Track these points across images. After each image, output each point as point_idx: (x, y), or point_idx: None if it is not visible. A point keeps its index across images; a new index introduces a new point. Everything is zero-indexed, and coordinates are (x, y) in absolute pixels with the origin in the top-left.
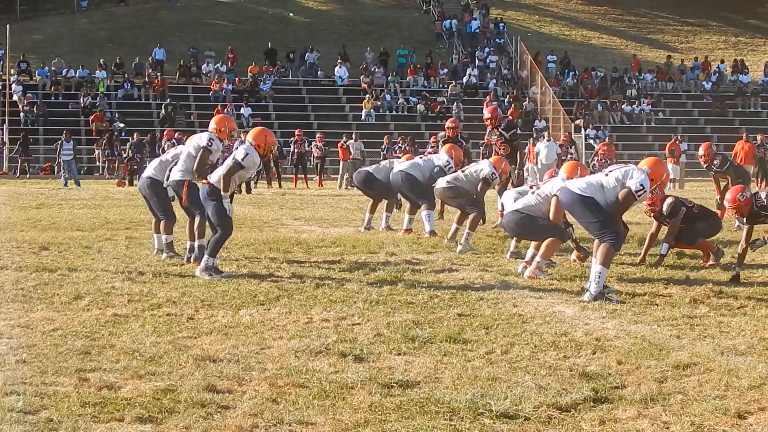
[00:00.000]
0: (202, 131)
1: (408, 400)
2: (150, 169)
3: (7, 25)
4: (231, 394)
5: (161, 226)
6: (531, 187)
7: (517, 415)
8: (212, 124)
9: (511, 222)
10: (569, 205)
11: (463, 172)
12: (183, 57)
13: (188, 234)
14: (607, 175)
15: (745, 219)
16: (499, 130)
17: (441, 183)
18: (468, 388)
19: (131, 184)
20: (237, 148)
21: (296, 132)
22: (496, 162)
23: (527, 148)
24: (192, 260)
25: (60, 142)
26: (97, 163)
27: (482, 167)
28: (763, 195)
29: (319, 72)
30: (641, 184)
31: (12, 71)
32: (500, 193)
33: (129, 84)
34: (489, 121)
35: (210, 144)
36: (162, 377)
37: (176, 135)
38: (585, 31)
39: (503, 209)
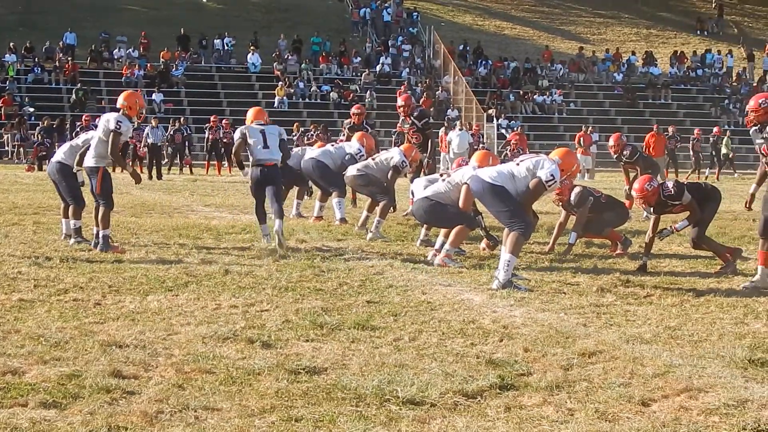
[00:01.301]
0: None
1: (315, 387)
2: (60, 153)
3: None
4: (137, 379)
5: (70, 211)
6: (441, 175)
7: (424, 402)
8: (121, 100)
9: (420, 209)
10: (480, 194)
11: (373, 159)
12: (94, 42)
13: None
14: (518, 164)
15: (652, 209)
16: (412, 118)
17: (351, 171)
18: (375, 375)
19: (40, 169)
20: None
21: (211, 118)
22: (407, 150)
23: (440, 136)
24: (93, 246)
25: None
26: (6, 148)
27: (393, 155)
28: (670, 185)
29: (232, 59)
30: (552, 174)
31: None
32: (412, 181)
33: (39, 68)
34: (402, 108)
35: (118, 127)
36: (67, 362)
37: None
38: (498, 21)
39: (414, 197)
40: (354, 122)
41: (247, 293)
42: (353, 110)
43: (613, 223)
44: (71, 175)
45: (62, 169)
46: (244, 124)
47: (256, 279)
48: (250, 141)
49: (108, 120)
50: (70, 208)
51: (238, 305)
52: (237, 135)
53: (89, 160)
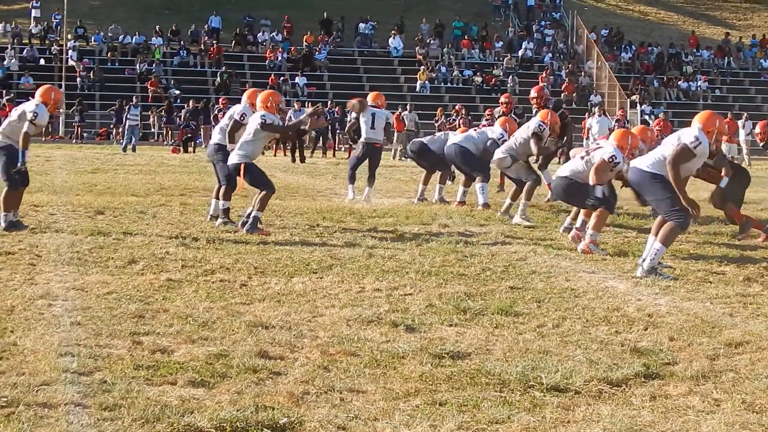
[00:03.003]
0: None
1: (459, 371)
2: (216, 135)
3: None
4: (282, 360)
5: (221, 192)
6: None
7: (568, 389)
8: (259, 104)
9: (558, 187)
10: (638, 183)
11: (516, 142)
12: (239, 25)
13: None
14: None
15: None
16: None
17: (498, 154)
18: (519, 361)
19: (185, 150)
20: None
21: None
22: (543, 115)
23: (581, 122)
24: (240, 226)
25: (128, 106)
26: (152, 130)
27: (530, 124)
28: None
29: (374, 43)
30: (695, 137)
31: (69, 37)
32: (541, 168)
33: (185, 51)
34: (535, 100)
35: (264, 120)
36: (215, 342)
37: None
38: (642, 6)
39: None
40: (503, 111)
41: (391, 277)
42: (502, 99)
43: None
44: (227, 156)
45: (219, 149)
46: (388, 108)
47: (399, 263)
48: (361, 120)
49: (254, 116)
50: (222, 189)
51: (382, 289)
52: (353, 114)
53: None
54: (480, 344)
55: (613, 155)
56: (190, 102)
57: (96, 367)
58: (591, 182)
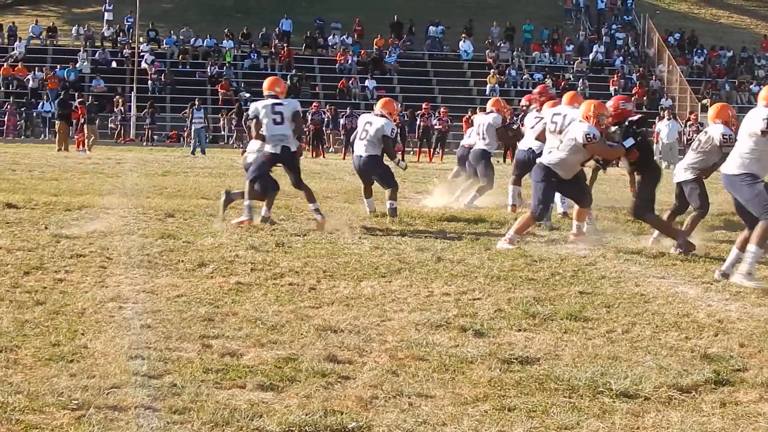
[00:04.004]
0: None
1: (527, 377)
2: (360, 147)
3: None
4: (351, 364)
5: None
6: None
7: (637, 395)
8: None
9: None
10: (732, 188)
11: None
12: (309, 28)
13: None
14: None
15: None
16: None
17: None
18: (588, 366)
19: None
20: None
21: (423, 105)
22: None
23: (651, 126)
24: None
25: (191, 109)
26: (222, 132)
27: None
28: None
29: (444, 46)
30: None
31: (141, 39)
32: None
33: (255, 54)
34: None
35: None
36: (283, 346)
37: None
38: (714, 9)
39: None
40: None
41: (459, 281)
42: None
43: None
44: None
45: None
46: (458, 111)
47: (468, 267)
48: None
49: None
50: (389, 191)
51: (451, 293)
52: None
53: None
54: (549, 349)
55: (587, 132)
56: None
57: (166, 370)
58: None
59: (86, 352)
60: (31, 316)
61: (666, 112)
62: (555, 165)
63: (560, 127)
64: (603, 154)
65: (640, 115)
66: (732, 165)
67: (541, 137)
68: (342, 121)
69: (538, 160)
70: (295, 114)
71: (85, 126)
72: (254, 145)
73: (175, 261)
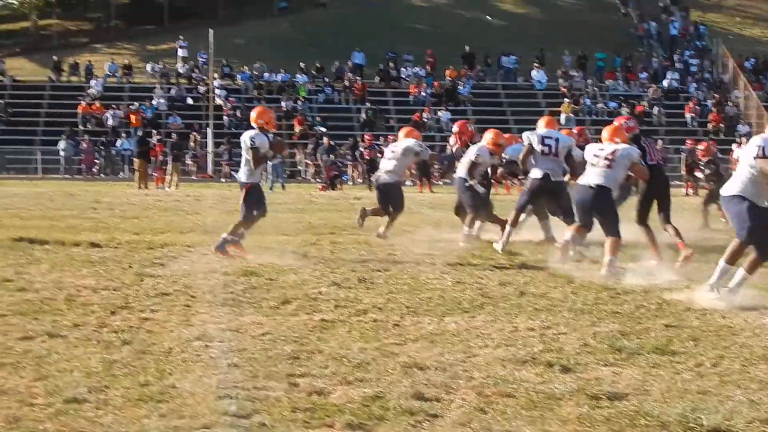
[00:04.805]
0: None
1: (617, 413)
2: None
3: (210, 30)
4: (439, 402)
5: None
6: None
7: (729, 431)
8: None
9: None
10: (725, 207)
11: None
12: (382, 61)
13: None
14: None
15: None
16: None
17: None
18: (678, 402)
19: (333, 188)
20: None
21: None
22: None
23: (728, 153)
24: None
25: None
26: (299, 167)
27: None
28: None
29: (518, 76)
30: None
31: (215, 75)
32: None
33: (329, 88)
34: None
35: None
36: (370, 383)
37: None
38: None
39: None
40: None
41: (544, 315)
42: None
43: None
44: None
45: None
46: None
47: (551, 301)
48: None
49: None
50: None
51: (535, 328)
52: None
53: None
54: (637, 384)
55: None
56: (324, 139)
57: (254, 409)
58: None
59: (175, 392)
60: (119, 356)
61: (744, 138)
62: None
63: (554, 150)
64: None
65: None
66: (730, 187)
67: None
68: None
69: (595, 183)
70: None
71: (169, 164)
72: None
73: (258, 299)
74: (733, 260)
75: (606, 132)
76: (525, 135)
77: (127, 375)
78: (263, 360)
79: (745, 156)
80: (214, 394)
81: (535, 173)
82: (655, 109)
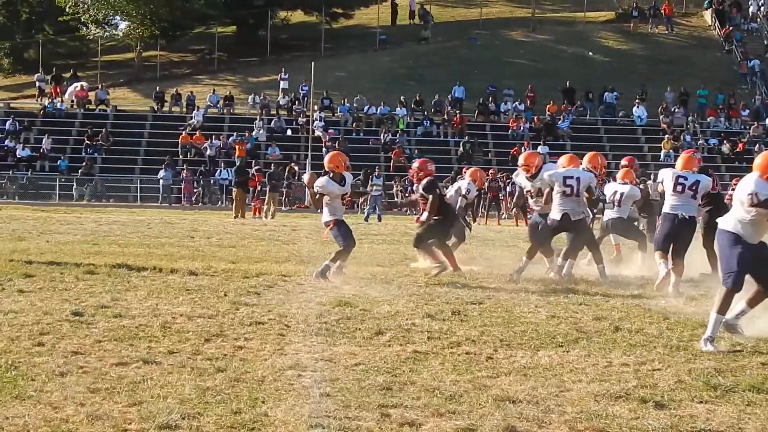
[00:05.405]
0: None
1: None
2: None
3: (312, 62)
4: None
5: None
6: None
7: None
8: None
9: None
10: (718, 242)
11: None
12: (482, 95)
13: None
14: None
15: None
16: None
17: None
18: None
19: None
20: None
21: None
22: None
23: None
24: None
25: (371, 176)
26: (396, 199)
27: None
28: None
29: (620, 111)
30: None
31: (315, 107)
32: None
33: (428, 121)
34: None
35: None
36: (462, 416)
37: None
38: None
39: None
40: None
41: (638, 351)
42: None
43: None
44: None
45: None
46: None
47: (646, 337)
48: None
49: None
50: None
51: (630, 363)
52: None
53: None
54: (732, 422)
55: None
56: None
57: None
58: None
59: (267, 420)
60: (213, 383)
61: None
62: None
63: (575, 190)
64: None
65: None
66: (725, 222)
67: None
68: (509, 188)
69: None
70: None
71: (267, 193)
72: None
73: (352, 329)
74: (723, 309)
75: (683, 161)
76: (546, 175)
77: (220, 402)
78: (355, 390)
79: (739, 196)
80: (306, 424)
81: (555, 214)
82: (757, 147)
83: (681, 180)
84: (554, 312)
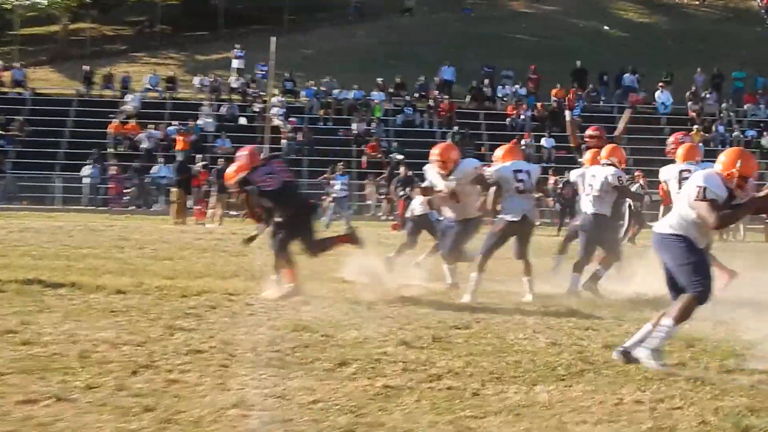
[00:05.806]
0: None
1: None
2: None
3: (272, 38)
4: None
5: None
6: None
7: None
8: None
9: None
10: (663, 249)
11: None
12: (476, 77)
13: None
14: None
15: None
16: None
17: None
18: None
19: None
20: None
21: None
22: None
23: None
24: None
25: (333, 174)
26: (368, 201)
27: None
28: None
29: (640, 95)
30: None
31: (275, 91)
32: None
33: (410, 108)
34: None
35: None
36: None
37: None
38: None
39: None
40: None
41: (656, 386)
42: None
43: None
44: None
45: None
46: (653, 176)
47: (666, 368)
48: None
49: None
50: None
51: (645, 401)
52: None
53: None
54: None
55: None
56: (402, 168)
57: None
58: None
59: None
60: (139, 425)
61: None
62: None
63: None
64: None
65: None
66: (666, 224)
67: None
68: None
69: None
70: None
71: (213, 195)
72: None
73: (310, 359)
74: (682, 319)
75: (684, 151)
76: (491, 170)
77: None
78: None
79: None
80: None
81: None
82: None
83: (685, 174)
84: (555, 338)
